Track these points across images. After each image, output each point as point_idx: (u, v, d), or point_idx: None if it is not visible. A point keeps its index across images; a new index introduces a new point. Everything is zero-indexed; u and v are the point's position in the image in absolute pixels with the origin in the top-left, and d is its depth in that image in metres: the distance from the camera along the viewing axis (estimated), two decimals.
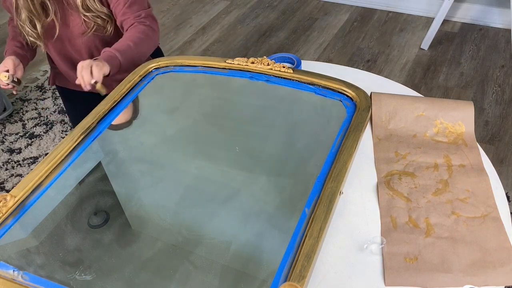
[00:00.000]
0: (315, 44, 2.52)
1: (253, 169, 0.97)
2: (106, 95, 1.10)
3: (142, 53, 1.21)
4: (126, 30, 1.23)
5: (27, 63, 1.32)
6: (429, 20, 2.59)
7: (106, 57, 1.12)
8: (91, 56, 1.32)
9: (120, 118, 1.06)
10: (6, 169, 1.91)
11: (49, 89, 2.34)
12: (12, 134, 2.08)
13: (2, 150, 2.00)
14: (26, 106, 2.24)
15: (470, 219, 0.80)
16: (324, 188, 0.81)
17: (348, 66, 1.16)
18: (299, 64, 1.16)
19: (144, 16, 1.23)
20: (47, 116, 2.17)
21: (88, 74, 1.06)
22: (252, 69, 1.11)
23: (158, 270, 0.79)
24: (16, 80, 1.21)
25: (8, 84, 1.20)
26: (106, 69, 1.09)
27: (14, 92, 1.25)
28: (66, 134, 2.04)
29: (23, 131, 2.09)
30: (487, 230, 0.78)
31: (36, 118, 2.17)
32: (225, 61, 1.14)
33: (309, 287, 0.72)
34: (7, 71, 1.20)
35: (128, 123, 1.09)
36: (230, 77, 1.14)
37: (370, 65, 2.35)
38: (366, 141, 0.96)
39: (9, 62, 1.22)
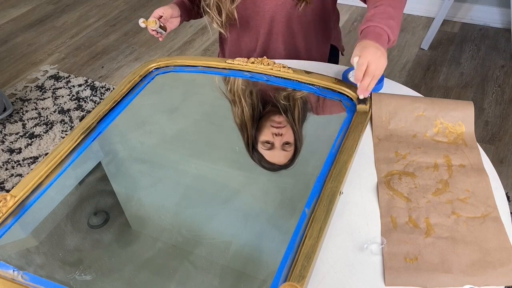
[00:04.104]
0: None
1: (253, 169, 0.97)
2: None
3: (401, 16, 1.01)
4: None
5: (189, 18, 1.25)
6: (429, 20, 2.59)
7: (375, 36, 0.93)
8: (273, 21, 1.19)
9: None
10: (6, 169, 1.91)
11: (49, 89, 2.34)
12: (12, 134, 2.08)
13: (2, 150, 2.00)
14: (26, 106, 2.24)
15: (470, 219, 0.80)
16: (324, 188, 0.81)
17: (348, 66, 1.15)
18: (381, 80, 1.04)
19: None
20: (47, 116, 2.17)
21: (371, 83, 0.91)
22: (252, 69, 1.11)
23: (158, 270, 0.79)
24: (163, 27, 1.15)
25: (153, 30, 1.14)
26: (382, 68, 0.91)
27: (160, 39, 1.19)
28: (66, 134, 2.05)
29: (23, 131, 2.09)
30: (487, 230, 0.78)
31: (36, 118, 2.17)
32: (225, 61, 1.14)
33: (309, 287, 0.72)
34: (160, 17, 1.14)
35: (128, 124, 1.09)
36: (230, 77, 1.14)
37: None
38: (366, 141, 0.96)
39: (168, 10, 1.15)
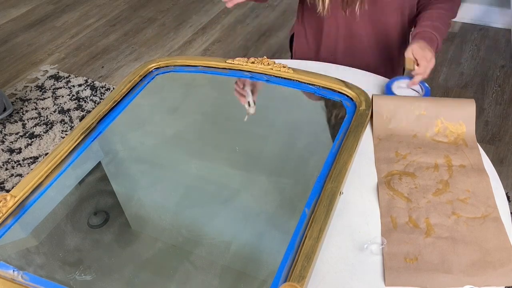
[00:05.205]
0: None
1: (253, 169, 0.97)
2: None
3: (448, 27, 1.16)
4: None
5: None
6: None
7: (428, 40, 1.07)
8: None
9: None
10: (6, 169, 1.91)
11: (49, 89, 2.34)
12: (12, 134, 2.08)
13: (2, 150, 2.00)
14: (26, 106, 2.24)
15: (470, 219, 0.80)
16: (324, 188, 0.81)
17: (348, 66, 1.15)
18: (427, 92, 1.05)
19: None
20: (47, 116, 2.17)
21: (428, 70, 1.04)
22: (252, 69, 1.11)
23: (158, 270, 0.79)
24: None
25: None
26: (432, 65, 1.05)
27: (229, 5, 1.16)
28: (66, 134, 2.04)
29: (23, 131, 2.09)
30: (487, 230, 0.78)
31: (36, 118, 2.17)
32: (225, 61, 1.14)
33: (309, 287, 0.72)
34: None
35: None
36: (230, 77, 1.14)
37: None
38: (366, 141, 0.96)
39: None
